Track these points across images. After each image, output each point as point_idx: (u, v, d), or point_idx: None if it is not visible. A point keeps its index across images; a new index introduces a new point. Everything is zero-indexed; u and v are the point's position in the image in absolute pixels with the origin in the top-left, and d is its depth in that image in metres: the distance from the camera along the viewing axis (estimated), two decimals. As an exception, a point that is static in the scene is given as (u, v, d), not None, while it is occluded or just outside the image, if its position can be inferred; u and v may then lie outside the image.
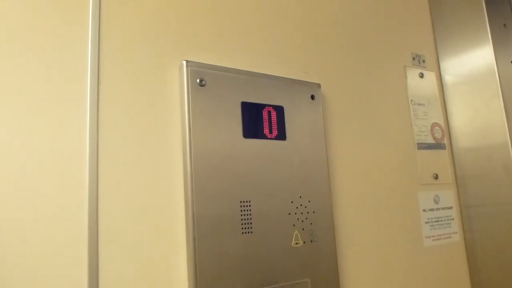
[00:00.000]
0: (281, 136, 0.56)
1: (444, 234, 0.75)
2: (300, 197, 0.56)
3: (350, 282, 0.61)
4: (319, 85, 0.62)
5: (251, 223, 0.51)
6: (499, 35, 0.76)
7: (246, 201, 0.51)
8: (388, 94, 0.74)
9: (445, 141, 0.80)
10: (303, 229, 0.55)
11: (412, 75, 0.79)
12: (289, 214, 0.54)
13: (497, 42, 0.75)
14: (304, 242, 0.55)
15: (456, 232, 0.77)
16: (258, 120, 0.54)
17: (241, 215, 0.50)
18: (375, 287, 0.64)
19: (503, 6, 0.79)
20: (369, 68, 0.73)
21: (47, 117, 0.42)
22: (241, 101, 0.53)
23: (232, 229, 0.49)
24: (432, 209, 0.74)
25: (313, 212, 0.57)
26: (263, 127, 0.54)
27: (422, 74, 0.80)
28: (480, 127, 0.76)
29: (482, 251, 0.75)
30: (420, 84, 0.79)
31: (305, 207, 0.56)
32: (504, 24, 0.78)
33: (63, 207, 0.42)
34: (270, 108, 0.56)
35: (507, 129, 0.71)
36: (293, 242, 0.54)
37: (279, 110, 0.56)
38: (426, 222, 0.73)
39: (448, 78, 0.82)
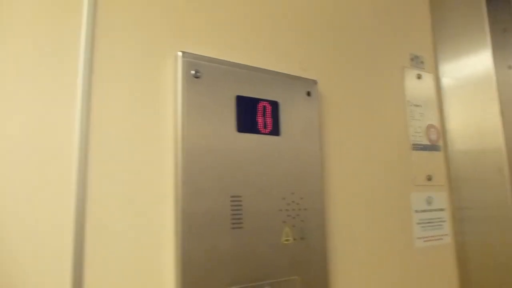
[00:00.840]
0: (275, 131, 0.55)
1: (435, 236, 0.75)
2: (292, 193, 0.55)
3: (340, 280, 0.60)
4: (315, 82, 0.62)
5: (241, 219, 0.50)
6: (498, 40, 0.76)
7: (237, 196, 0.50)
8: (385, 94, 0.74)
9: (440, 143, 0.80)
10: (294, 226, 0.55)
11: (410, 76, 0.78)
12: (280, 210, 0.54)
13: (497, 47, 0.75)
14: (295, 239, 0.54)
15: (447, 234, 0.77)
16: (252, 115, 0.54)
17: (232, 210, 0.50)
18: (364, 286, 0.64)
19: (504, 11, 0.79)
20: (367, 67, 0.72)
21: (37, 106, 0.42)
22: (236, 94, 0.53)
23: (222, 224, 0.49)
24: (424, 210, 0.74)
25: (305, 209, 0.56)
26: (257, 122, 0.54)
27: (420, 75, 0.80)
28: (476, 131, 0.75)
29: (472, 254, 0.75)
30: (418, 85, 0.79)
31: (297, 204, 0.55)
32: (504, 29, 0.78)
33: (49, 200, 0.41)
34: (265, 103, 0.55)
35: (502, 133, 0.71)
36: (284, 239, 0.54)
37: (274, 105, 0.56)
38: (418, 223, 0.73)
39: (446, 80, 0.82)
